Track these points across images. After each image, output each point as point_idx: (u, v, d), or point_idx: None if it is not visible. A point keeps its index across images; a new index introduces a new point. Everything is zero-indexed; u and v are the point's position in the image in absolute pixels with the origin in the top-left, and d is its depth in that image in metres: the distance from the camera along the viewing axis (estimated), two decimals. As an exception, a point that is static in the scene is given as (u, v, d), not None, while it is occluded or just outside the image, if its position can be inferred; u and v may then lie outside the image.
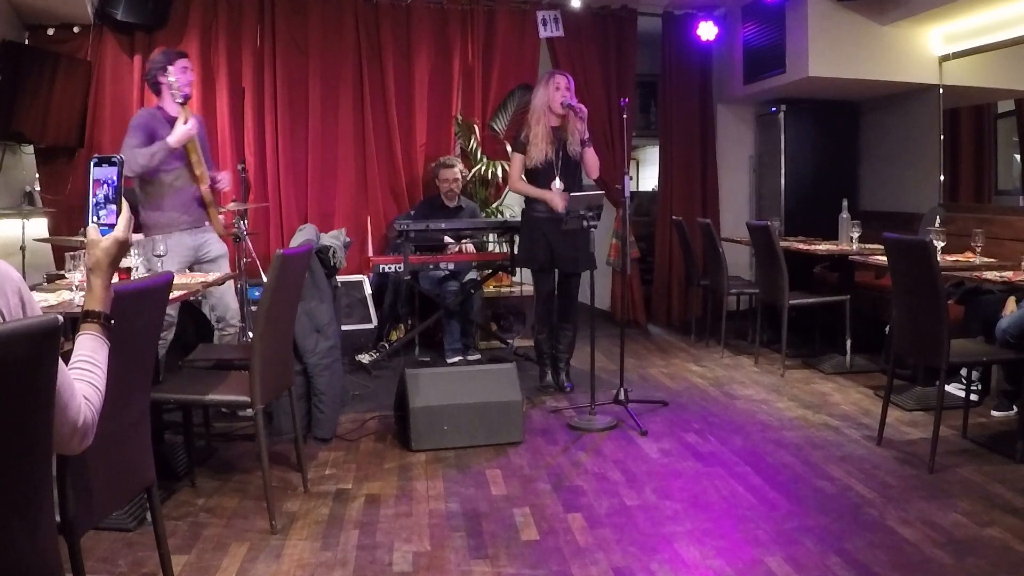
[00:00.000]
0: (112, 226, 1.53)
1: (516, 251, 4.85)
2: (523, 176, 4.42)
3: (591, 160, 4.38)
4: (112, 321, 1.51)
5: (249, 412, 3.88)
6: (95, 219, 1.53)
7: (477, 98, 6.08)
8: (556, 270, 4.45)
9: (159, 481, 2.11)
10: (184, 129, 3.76)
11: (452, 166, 5.53)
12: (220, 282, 3.53)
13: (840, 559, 2.44)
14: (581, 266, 4.34)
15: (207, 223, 4.02)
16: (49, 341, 1.18)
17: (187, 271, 3.84)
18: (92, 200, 1.55)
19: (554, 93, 4.26)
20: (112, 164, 1.55)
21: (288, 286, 2.91)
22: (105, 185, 1.54)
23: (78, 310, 1.53)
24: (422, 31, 5.93)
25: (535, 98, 4.40)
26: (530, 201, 4.45)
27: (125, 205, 1.55)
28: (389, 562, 2.49)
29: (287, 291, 2.92)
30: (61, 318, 1.20)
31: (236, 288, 4.15)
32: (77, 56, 5.25)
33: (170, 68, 3.83)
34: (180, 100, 3.79)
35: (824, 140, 6.53)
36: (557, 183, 4.28)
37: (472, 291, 5.34)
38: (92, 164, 1.56)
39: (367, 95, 5.84)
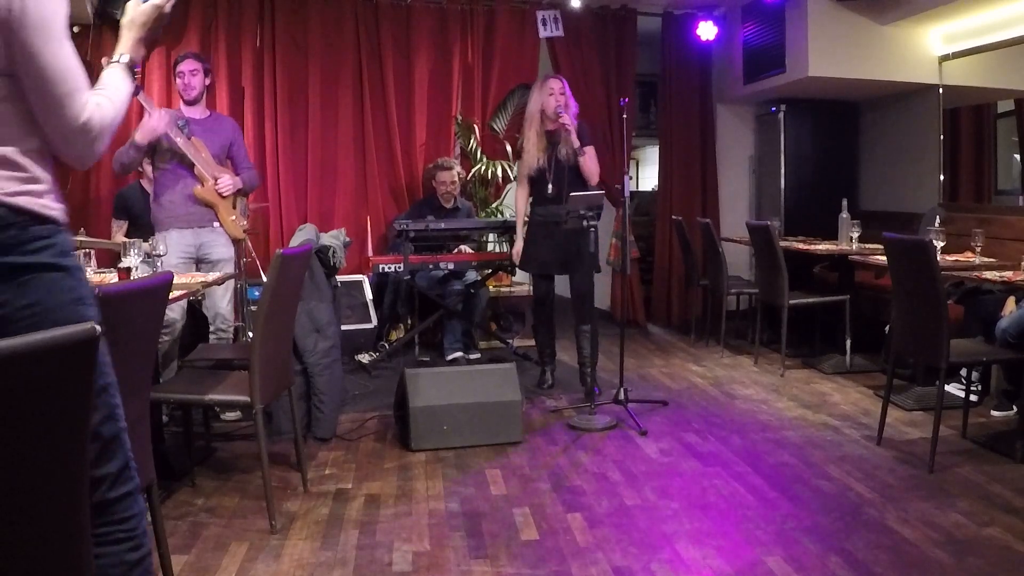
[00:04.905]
0: None
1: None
2: (525, 185, 4.46)
3: (586, 167, 4.28)
4: (136, 71, 1.61)
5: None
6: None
7: (477, 98, 6.08)
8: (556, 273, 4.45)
9: (159, 481, 2.11)
10: (147, 124, 3.69)
11: (450, 168, 5.48)
12: (219, 282, 3.53)
13: (840, 559, 2.44)
14: (574, 268, 4.27)
15: (216, 224, 3.93)
16: (84, 355, 1.03)
17: (193, 272, 3.77)
18: None
19: (547, 99, 4.23)
20: None
21: (288, 286, 2.91)
22: None
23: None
24: (422, 31, 5.93)
25: (529, 103, 4.40)
26: (533, 204, 4.48)
27: None
28: (389, 562, 2.49)
29: (287, 291, 2.92)
30: (99, 328, 1.03)
31: (236, 287, 4.12)
32: (77, 56, 5.25)
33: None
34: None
35: (824, 140, 6.53)
36: (550, 190, 4.26)
37: (472, 291, 5.34)
38: None
39: (367, 95, 5.84)
